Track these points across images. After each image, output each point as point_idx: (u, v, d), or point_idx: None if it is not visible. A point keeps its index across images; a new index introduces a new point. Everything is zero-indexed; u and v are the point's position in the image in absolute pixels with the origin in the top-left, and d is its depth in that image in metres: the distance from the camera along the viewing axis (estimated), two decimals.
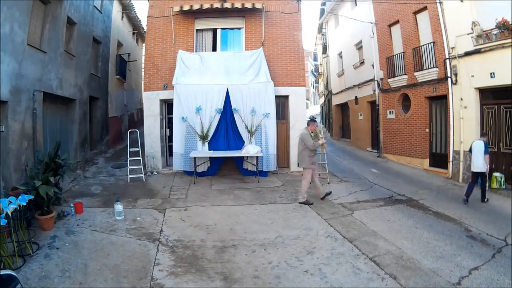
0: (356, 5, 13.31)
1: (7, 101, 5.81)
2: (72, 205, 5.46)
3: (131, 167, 7.98)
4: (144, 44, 11.93)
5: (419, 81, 9.36)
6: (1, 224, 3.48)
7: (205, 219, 5.38)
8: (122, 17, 14.38)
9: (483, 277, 3.50)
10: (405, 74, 9.99)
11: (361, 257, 3.99)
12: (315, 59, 35.16)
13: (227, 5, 8.61)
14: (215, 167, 8.59)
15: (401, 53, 10.16)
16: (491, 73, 7.00)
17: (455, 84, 8.06)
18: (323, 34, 19.98)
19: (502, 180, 6.78)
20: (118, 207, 5.31)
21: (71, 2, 8.51)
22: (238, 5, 8.48)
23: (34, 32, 6.90)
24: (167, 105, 9.24)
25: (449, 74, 8.18)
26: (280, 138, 8.98)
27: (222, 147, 8.44)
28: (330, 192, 6.73)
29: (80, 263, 3.78)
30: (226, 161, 8.80)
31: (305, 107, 9.78)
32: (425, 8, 8.96)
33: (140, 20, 16.05)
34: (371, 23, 11.57)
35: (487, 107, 7.47)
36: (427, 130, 9.34)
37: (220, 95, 8.32)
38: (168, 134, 9.26)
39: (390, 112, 10.99)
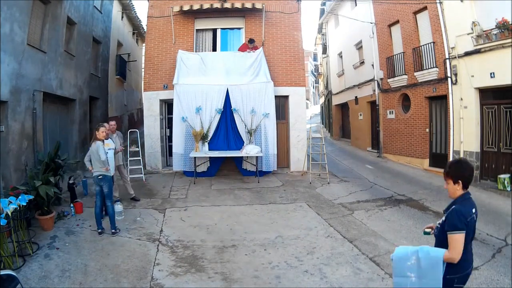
0: (356, 5, 13.31)
1: (7, 101, 5.81)
2: (72, 205, 5.46)
3: (131, 167, 7.97)
4: (144, 44, 11.94)
5: (419, 81, 9.36)
6: (1, 224, 3.48)
7: (205, 219, 5.37)
8: (122, 17, 14.39)
9: (483, 277, 3.51)
10: (405, 74, 9.99)
11: (361, 257, 3.99)
12: (315, 59, 35.18)
13: (227, 5, 8.61)
14: (215, 167, 8.59)
15: (401, 53, 10.16)
16: (491, 73, 7.00)
17: (455, 84, 8.06)
18: (323, 34, 19.98)
19: (506, 181, 6.72)
20: (118, 207, 5.30)
21: (71, 2, 8.51)
22: (238, 5, 8.49)
23: (34, 32, 6.90)
24: (167, 105, 9.24)
25: (449, 74, 8.18)
26: (280, 138, 8.98)
27: (222, 147, 8.44)
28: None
29: (80, 263, 3.78)
30: (226, 161, 8.80)
31: (305, 107, 9.78)
32: (425, 8, 8.96)
33: (140, 20, 16.06)
34: (371, 23, 11.57)
35: (487, 107, 7.47)
36: (427, 130, 9.34)
37: (220, 95, 8.32)
38: (168, 134, 9.27)
39: (390, 112, 10.99)
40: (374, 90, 11.71)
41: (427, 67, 8.96)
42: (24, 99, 6.36)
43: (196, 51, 9.16)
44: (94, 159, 4.64)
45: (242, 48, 8.80)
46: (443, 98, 8.62)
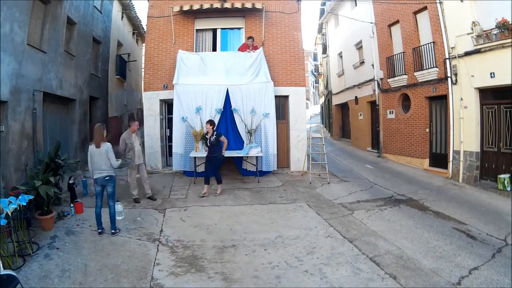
0: (356, 5, 13.31)
1: (7, 101, 5.81)
2: (72, 205, 5.46)
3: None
4: (144, 44, 11.93)
5: (419, 81, 9.36)
6: (1, 224, 3.48)
7: (205, 219, 5.38)
8: (122, 17, 14.39)
9: (483, 277, 3.51)
10: (405, 74, 9.99)
11: (361, 257, 3.99)
12: (315, 59, 35.18)
13: (227, 5, 8.61)
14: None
15: (401, 53, 10.16)
16: (491, 73, 6.99)
17: (455, 84, 8.06)
18: (323, 34, 19.98)
19: (506, 181, 6.71)
20: (118, 207, 5.30)
21: (71, 2, 8.51)
22: (238, 5, 8.49)
23: (34, 32, 6.90)
24: (167, 105, 9.24)
25: (449, 74, 8.18)
26: (280, 138, 8.97)
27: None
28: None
29: (80, 263, 3.78)
30: (226, 161, 8.78)
31: (305, 107, 9.78)
32: (425, 8, 8.96)
33: (140, 20, 16.06)
34: (371, 23, 11.57)
35: (487, 107, 7.47)
36: (427, 130, 9.34)
37: (220, 95, 8.32)
38: (168, 134, 9.26)
39: (390, 112, 10.99)
40: (374, 90, 11.71)
41: (427, 67, 8.96)
42: (24, 99, 6.36)
43: (196, 51, 9.16)
44: (102, 160, 4.62)
45: (242, 48, 8.82)
46: (443, 98, 8.61)
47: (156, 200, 6.39)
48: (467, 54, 7.55)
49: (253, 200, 6.47)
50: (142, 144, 8.59)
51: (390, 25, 10.74)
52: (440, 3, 8.24)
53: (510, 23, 6.49)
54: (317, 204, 6.22)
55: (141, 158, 6.39)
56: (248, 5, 8.50)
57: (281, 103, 9.17)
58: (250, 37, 8.80)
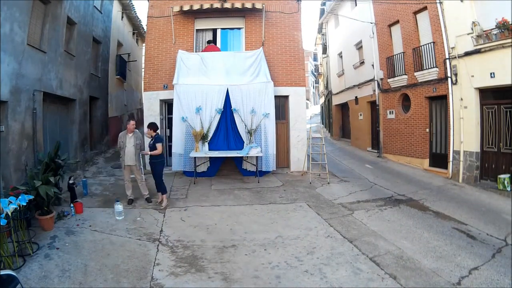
0: (356, 5, 13.31)
1: (7, 101, 5.81)
2: (72, 205, 5.46)
3: None
4: (144, 44, 11.94)
5: (419, 81, 9.36)
6: (1, 224, 3.49)
7: (205, 219, 5.38)
8: (122, 17, 14.39)
9: (483, 277, 3.51)
10: (405, 74, 9.99)
11: (361, 257, 3.99)
12: (315, 59, 35.18)
13: (227, 5, 8.61)
14: (215, 167, 8.59)
15: (401, 53, 10.16)
16: (491, 73, 7.00)
17: (455, 84, 8.06)
18: (323, 34, 19.98)
19: (506, 181, 6.70)
20: (118, 207, 5.31)
21: (71, 2, 8.51)
22: (238, 5, 8.49)
23: (34, 32, 6.90)
24: (167, 105, 9.24)
25: (449, 74, 8.18)
26: (280, 138, 8.98)
27: (222, 147, 8.44)
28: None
29: (80, 263, 3.78)
30: (226, 161, 8.80)
31: (305, 107, 9.78)
32: (425, 8, 8.96)
33: (140, 20, 16.06)
34: (371, 23, 11.57)
35: (487, 107, 7.47)
36: (427, 130, 9.34)
37: (220, 95, 8.32)
38: (168, 134, 9.26)
39: (390, 112, 10.99)
40: (374, 90, 11.71)
41: (427, 67, 8.96)
42: (24, 99, 6.36)
43: (196, 51, 9.16)
44: None
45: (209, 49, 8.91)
46: (443, 98, 8.61)
47: (151, 202, 6.28)
48: (467, 54, 7.55)
49: (253, 200, 6.47)
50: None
51: (390, 25, 10.74)
52: (440, 3, 8.24)
53: (510, 23, 6.49)
54: (317, 204, 6.22)
55: (132, 159, 6.13)
56: (248, 5, 8.50)
57: (281, 103, 9.17)
58: (209, 41, 8.92)
